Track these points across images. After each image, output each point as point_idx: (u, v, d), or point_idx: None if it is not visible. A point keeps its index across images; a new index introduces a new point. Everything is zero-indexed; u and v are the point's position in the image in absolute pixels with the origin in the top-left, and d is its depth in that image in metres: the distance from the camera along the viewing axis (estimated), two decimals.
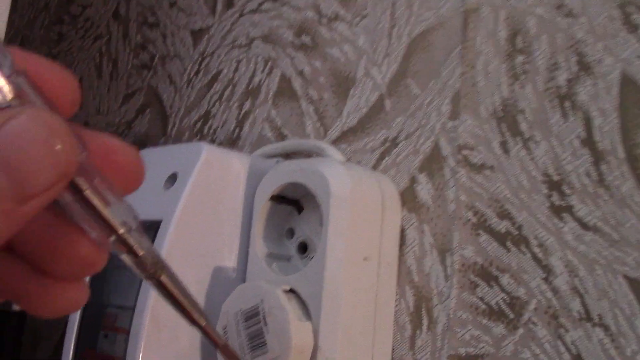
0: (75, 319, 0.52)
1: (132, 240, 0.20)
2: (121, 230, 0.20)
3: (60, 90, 0.20)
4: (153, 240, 0.48)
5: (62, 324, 0.53)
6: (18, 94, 0.18)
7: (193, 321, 0.22)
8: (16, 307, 0.76)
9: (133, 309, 0.47)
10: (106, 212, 0.19)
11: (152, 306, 0.47)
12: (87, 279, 0.23)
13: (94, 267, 0.20)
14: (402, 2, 0.53)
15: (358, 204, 0.46)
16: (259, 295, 0.45)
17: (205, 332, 0.23)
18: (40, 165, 0.17)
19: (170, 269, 0.21)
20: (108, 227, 0.20)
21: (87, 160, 0.19)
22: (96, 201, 0.19)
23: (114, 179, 0.20)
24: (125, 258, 0.20)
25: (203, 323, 0.22)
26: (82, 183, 0.19)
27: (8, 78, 0.18)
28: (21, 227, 0.18)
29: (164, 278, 0.21)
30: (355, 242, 0.46)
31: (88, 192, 0.19)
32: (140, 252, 0.20)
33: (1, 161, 0.17)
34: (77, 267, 0.20)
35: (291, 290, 0.46)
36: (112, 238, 0.20)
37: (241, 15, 0.67)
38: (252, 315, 0.45)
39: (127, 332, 0.47)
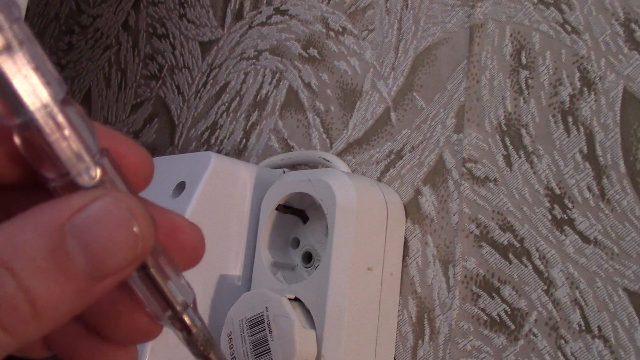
0: None
1: (187, 319, 0.21)
2: (178, 308, 0.20)
3: (135, 166, 0.21)
4: None
5: None
6: (102, 176, 0.19)
7: None
8: None
9: None
10: (166, 289, 0.20)
11: None
12: None
13: (149, 336, 0.21)
14: (409, 17, 0.54)
15: (363, 214, 0.47)
16: (264, 303, 0.46)
17: None
18: (118, 248, 0.18)
19: (218, 347, 0.22)
20: (166, 304, 0.20)
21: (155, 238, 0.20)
22: (158, 278, 0.20)
23: (176, 255, 0.21)
24: (178, 333, 0.21)
25: None
26: (147, 260, 0.20)
27: (94, 158, 0.19)
28: (92, 303, 0.18)
29: (212, 355, 0.22)
30: (360, 252, 0.46)
31: (152, 270, 0.20)
32: (194, 330, 0.21)
33: (82, 241, 0.17)
34: (133, 335, 0.21)
35: (295, 299, 0.46)
36: (168, 314, 0.20)
37: (250, 27, 0.68)
38: (257, 323, 0.46)
39: None
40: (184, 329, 0.21)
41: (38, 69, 0.18)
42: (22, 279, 0.17)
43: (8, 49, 0.17)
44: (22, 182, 0.20)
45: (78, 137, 0.18)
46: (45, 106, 0.18)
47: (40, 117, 0.18)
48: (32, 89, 0.18)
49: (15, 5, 0.17)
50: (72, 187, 0.18)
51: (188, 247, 0.21)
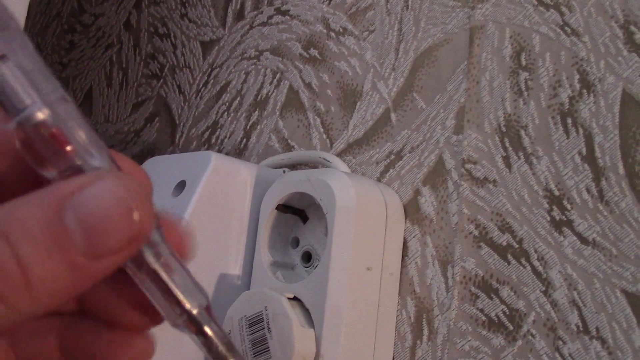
0: None
1: (202, 322, 0.21)
2: (194, 311, 0.20)
3: (179, 244, 0.21)
4: None
5: None
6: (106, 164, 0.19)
7: None
8: None
9: None
10: (178, 291, 0.20)
11: None
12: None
13: (155, 322, 0.21)
14: (410, 18, 0.54)
15: (362, 214, 0.47)
16: (263, 302, 0.46)
17: None
18: (114, 226, 0.18)
19: (239, 352, 0.22)
20: (178, 306, 0.20)
21: (165, 240, 0.20)
22: (168, 279, 0.20)
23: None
24: (195, 338, 0.21)
25: None
26: (158, 268, 0.20)
27: (99, 149, 0.19)
28: (90, 285, 0.18)
29: None
30: (359, 252, 0.47)
31: (161, 271, 0.20)
32: (211, 334, 0.21)
33: (79, 216, 0.17)
34: (144, 318, 0.21)
35: (294, 298, 0.46)
36: (184, 318, 0.20)
37: (251, 27, 0.69)
38: (256, 322, 0.46)
39: None
40: (200, 333, 0.21)
41: (31, 72, 0.18)
42: (16, 247, 0.17)
43: (2, 57, 0.18)
44: (15, 178, 0.20)
45: (83, 129, 0.19)
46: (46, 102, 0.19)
47: (42, 112, 0.18)
48: (26, 90, 0.18)
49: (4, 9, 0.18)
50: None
51: (179, 245, 0.21)
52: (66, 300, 0.18)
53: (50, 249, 0.17)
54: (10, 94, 0.18)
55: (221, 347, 0.21)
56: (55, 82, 0.19)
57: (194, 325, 0.21)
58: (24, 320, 0.18)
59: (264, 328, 0.45)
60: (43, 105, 0.18)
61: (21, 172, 0.20)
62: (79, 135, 0.19)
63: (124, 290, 0.21)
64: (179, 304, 0.20)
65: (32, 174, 0.19)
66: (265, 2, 0.68)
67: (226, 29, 0.72)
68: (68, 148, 0.18)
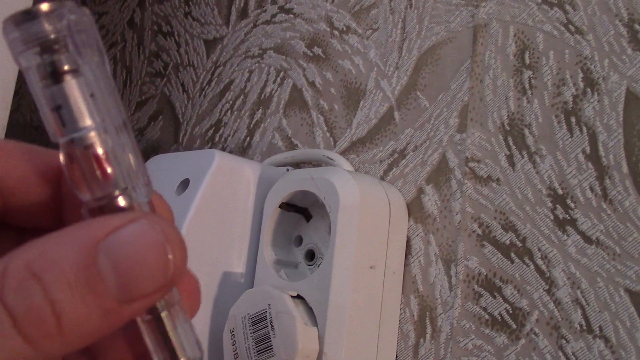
0: None
1: None
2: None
3: (187, 298, 0.21)
4: None
5: None
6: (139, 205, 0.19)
7: None
8: None
9: None
10: (176, 340, 0.20)
11: None
12: None
13: None
14: (413, 16, 0.54)
15: (366, 213, 0.47)
16: (266, 300, 0.46)
17: None
18: (149, 271, 0.18)
19: None
20: (172, 356, 0.20)
21: (176, 291, 0.20)
22: (169, 327, 0.20)
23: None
24: None
25: None
26: (163, 305, 0.20)
27: (140, 181, 0.19)
28: (118, 327, 0.18)
29: None
30: (362, 251, 0.47)
31: (165, 317, 0.20)
32: None
33: (114, 260, 0.17)
34: None
35: (298, 297, 0.47)
36: None
37: (255, 26, 0.69)
38: (260, 320, 0.46)
39: None
40: None
41: (93, 95, 0.19)
42: (50, 291, 0.17)
43: (75, 72, 0.19)
44: (49, 202, 0.20)
45: (132, 161, 0.19)
46: (98, 126, 0.19)
47: (93, 135, 0.19)
48: (89, 110, 0.19)
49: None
50: (107, 210, 0.19)
51: (189, 297, 0.21)
52: (94, 342, 0.18)
53: (83, 294, 0.17)
54: (72, 110, 0.18)
55: None
56: (120, 107, 0.19)
57: None
58: None
59: (267, 326, 0.45)
60: (100, 130, 0.19)
61: (60, 201, 0.20)
62: (125, 166, 0.19)
63: (122, 338, 0.20)
64: (171, 352, 0.20)
65: (69, 205, 0.19)
66: (269, 0, 0.68)
67: (230, 27, 0.72)
68: (110, 176, 0.19)
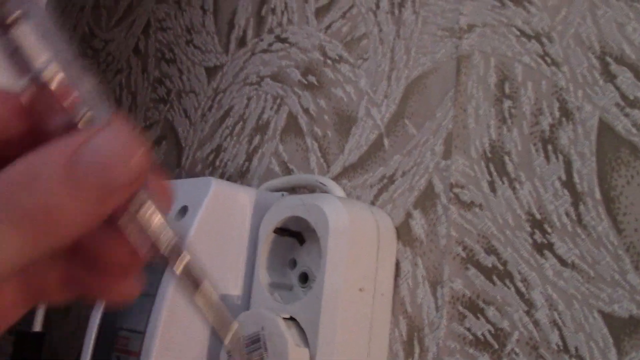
0: (90, 341, 0.55)
1: (174, 256, 0.23)
2: (165, 246, 0.23)
3: (160, 195, 0.24)
4: (163, 268, 0.51)
5: (79, 345, 0.56)
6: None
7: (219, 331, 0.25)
8: (36, 328, 0.80)
9: (144, 333, 0.51)
10: (156, 227, 0.23)
11: (161, 330, 0.50)
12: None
13: (134, 269, 0.24)
14: (401, 47, 0.56)
15: (355, 238, 0.49)
16: (260, 322, 0.48)
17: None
18: (124, 165, 0.20)
19: (208, 286, 0.24)
20: (157, 242, 0.23)
21: (147, 187, 0.23)
22: (147, 216, 0.22)
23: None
24: (170, 270, 0.23)
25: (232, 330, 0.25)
26: (142, 202, 0.22)
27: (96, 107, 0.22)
28: (103, 218, 0.21)
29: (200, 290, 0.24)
30: (352, 274, 0.49)
31: (145, 210, 0.22)
32: (180, 268, 0.23)
33: (93, 160, 0.20)
34: (120, 267, 0.24)
35: (291, 318, 0.49)
36: (162, 250, 0.23)
37: (252, 54, 0.71)
38: (254, 341, 0.48)
39: (138, 355, 0.50)
40: (173, 265, 0.23)
41: (42, 36, 0.21)
42: (41, 191, 0.20)
43: (19, 19, 0.21)
44: (26, 137, 0.23)
45: (86, 87, 0.22)
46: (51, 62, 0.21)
47: (48, 73, 0.21)
48: (40, 50, 0.21)
49: None
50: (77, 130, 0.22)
51: (162, 195, 0.24)
52: (84, 234, 0.21)
53: (72, 190, 0.20)
54: (25, 53, 0.21)
55: (193, 273, 0.24)
56: (66, 43, 0.22)
57: (168, 258, 0.23)
58: (49, 254, 0.20)
59: (261, 347, 0.48)
60: (53, 64, 0.21)
61: (24, 135, 0.23)
62: (84, 91, 0.22)
63: (110, 237, 0.23)
64: (156, 241, 0.23)
65: (34, 137, 0.22)
66: (266, 29, 0.71)
67: (229, 55, 0.74)
68: (72, 104, 0.21)
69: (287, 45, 0.67)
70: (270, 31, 0.70)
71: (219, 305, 0.25)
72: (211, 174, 0.71)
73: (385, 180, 0.55)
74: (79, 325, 0.82)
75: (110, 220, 0.22)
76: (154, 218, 0.22)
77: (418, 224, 0.51)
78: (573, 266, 0.43)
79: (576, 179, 0.44)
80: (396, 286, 0.52)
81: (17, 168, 0.20)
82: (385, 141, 0.56)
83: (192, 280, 0.24)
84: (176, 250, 0.23)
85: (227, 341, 0.25)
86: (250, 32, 0.72)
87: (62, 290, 0.24)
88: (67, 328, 0.85)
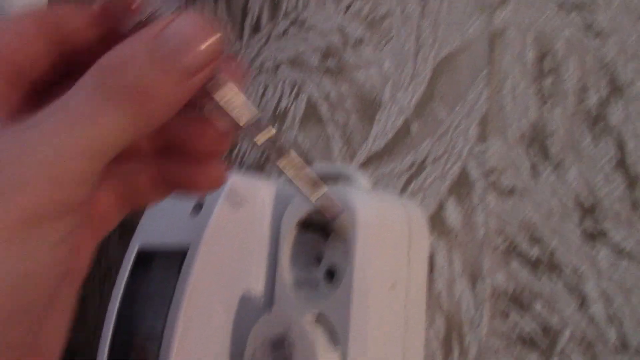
0: (104, 348, 0.52)
1: (257, 131, 0.25)
2: (249, 122, 0.24)
3: (234, 75, 0.25)
4: (179, 268, 0.48)
5: (94, 350, 0.53)
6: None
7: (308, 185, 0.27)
8: None
9: (160, 338, 0.47)
10: (237, 105, 0.24)
11: (179, 336, 0.46)
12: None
13: (221, 152, 0.26)
14: (427, 25, 0.53)
15: (385, 231, 0.45)
16: (285, 324, 0.45)
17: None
18: (203, 45, 0.22)
19: (293, 153, 0.26)
20: (239, 119, 0.24)
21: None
22: (234, 97, 0.24)
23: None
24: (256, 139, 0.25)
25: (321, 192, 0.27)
26: (222, 83, 0.24)
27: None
28: (190, 95, 0.23)
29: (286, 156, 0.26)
30: (382, 270, 0.45)
31: (225, 90, 0.24)
32: (262, 140, 0.25)
33: (174, 42, 0.22)
34: (207, 152, 0.25)
35: (318, 317, 0.45)
36: (246, 123, 0.24)
37: (268, 40, 0.68)
38: (279, 344, 0.45)
39: None
40: (257, 133, 0.25)
41: None
42: (134, 72, 0.21)
43: None
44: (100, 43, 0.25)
45: None
46: None
47: None
48: None
49: None
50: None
51: (236, 72, 0.25)
52: (175, 112, 0.23)
53: (160, 69, 0.22)
54: None
55: (278, 143, 0.26)
56: None
57: (253, 130, 0.25)
58: (145, 134, 0.22)
59: (286, 350, 0.44)
60: None
61: (101, 41, 0.25)
62: None
63: (196, 124, 0.25)
64: (239, 118, 0.24)
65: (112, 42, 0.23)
66: (281, 14, 0.67)
67: (243, 41, 0.71)
68: (142, 3, 0.23)
69: (304, 29, 0.64)
70: (286, 15, 0.66)
71: (303, 166, 0.26)
72: (228, 167, 0.68)
73: (414, 168, 0.51)
74: (94, 331, 0.79)
75: (194, 106, 0.24)
76: (235, 98, 0.24)
77: (452, 215, 0.48)
78: (630, 256, 0.39)
79: (630, 160, 0.40)
80: (430, 281, 0.48)
81: (108, 56, 0.22)
82: (413, 126, 0.52)
83: (277, 149, 0.26)
84: (260, 126, 0.25)
85: (314, 199, 0.27)
86: (264, 17, 0.69)
87: (155, 190, 0.26)
88: (81, 335, 0.82)
